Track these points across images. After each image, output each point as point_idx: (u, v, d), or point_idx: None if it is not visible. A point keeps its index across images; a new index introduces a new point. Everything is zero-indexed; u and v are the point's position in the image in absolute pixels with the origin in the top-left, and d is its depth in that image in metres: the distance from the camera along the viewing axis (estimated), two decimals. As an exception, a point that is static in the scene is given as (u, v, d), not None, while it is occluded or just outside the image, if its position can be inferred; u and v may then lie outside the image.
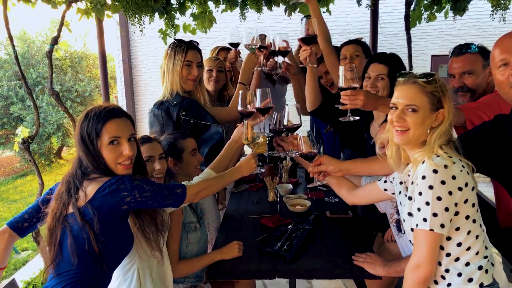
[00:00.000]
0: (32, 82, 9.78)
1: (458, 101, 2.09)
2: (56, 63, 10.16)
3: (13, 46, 2.80)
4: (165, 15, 3.68)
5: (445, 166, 1.22)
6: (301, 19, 3.37)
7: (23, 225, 1.52)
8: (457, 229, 1.27)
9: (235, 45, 2.46)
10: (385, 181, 1.60)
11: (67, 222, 1.36)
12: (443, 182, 1.22)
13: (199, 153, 1.99)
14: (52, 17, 11.23)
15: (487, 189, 2.82)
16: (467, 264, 1.27)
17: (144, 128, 2.12)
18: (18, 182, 9.32)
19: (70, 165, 1.47)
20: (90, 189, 1.37)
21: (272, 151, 2.35)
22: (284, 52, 2.20)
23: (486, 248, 1.32)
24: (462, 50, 2.05)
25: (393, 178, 1.55)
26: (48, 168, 10.02)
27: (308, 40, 2.05)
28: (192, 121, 2.12)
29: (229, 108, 2.35)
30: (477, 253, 1.28)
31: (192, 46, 2.16)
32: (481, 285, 1.27)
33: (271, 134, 1.98)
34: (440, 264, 1.30)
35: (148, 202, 1.42)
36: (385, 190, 1.60)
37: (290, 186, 2.54)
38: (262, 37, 2.91)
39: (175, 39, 2.15)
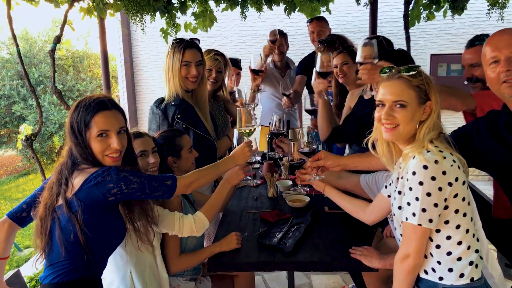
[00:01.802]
0: (34, 81, 9.83)
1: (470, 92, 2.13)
2: (58, 62, 10.20)
3: (17, 45, 2.85)
4: (166, 14, 3.72)
5: (436, 162, 1.24)
6: (307, 22, 3.48)
7: (22, 215, 1.56)
8: (446, 222, 1.29)
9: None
10: (386, 187, 1.58)
11: (56, 213, 1.39)
12: (433, 178, 1.23)
13: (194, 150, 2.03)
14: (54, 16, 11.28)
15: (486, 188, 2.85)
16: (459, 259, 1.29)
17: (145, 126, 2.16)
18: (20, 181, 9.37)
19: (63, 154, 1.48)
20: (77, 180, 1.39)
21: (272, 152, 2.39)
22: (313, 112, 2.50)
23: (478, 240, 1.35)
24: (474, 42, 2.09)
25: (391, 180, 1.55)
26: (50, 167, 10.06)
27: (325, 74, 2.15)
28: (184, 126, 2.15)
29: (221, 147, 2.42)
30: (468, 248, 1.30)
31: (191, 45, 2.16)
32: (471, 279, 1.30)
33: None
34: (432, 255, 1.32)
35: (135, 194, 1.43)
36: (389, 196, 1.56)
37: (290, 183, 2.57)
38: (273, 34, 3.03)
39: (175, 39, 2.17)
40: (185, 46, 2.13)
